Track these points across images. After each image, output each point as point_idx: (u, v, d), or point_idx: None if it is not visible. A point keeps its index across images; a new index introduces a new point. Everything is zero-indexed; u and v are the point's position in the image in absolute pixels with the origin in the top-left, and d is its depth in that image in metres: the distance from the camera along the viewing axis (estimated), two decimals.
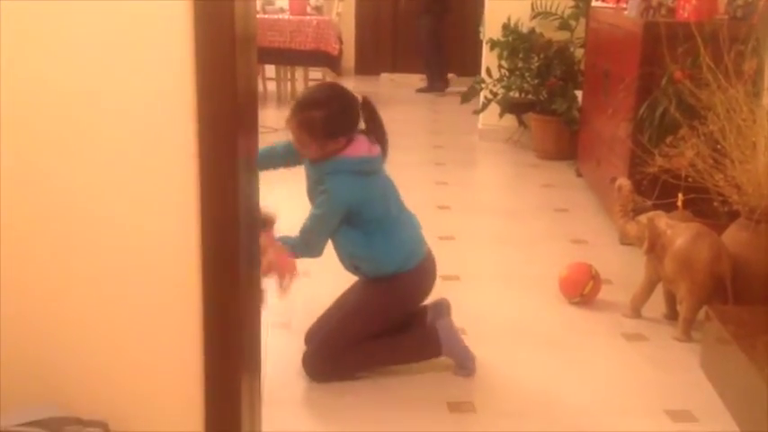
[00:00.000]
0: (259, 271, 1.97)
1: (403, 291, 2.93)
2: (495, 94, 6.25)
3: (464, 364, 2.93)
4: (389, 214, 2.94)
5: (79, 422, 1.67)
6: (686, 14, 4.09)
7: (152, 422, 1.79)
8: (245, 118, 1.73)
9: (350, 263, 2.97)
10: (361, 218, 2.86)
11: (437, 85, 8.90)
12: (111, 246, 1.72)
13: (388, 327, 2.92)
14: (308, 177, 2.98)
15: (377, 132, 2.93)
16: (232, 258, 1.70)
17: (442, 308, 3.02)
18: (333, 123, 2.79)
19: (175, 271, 1.72)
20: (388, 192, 2.98)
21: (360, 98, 2.91)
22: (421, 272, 2.95)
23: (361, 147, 2.85)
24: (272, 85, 8.14)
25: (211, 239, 1.69)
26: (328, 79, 7.98)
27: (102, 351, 1.77)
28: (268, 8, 7.72)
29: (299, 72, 8.08)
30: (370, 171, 2.88)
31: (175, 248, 1.71)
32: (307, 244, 2.92)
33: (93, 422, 1.67)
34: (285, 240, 2.91)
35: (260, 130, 6.49)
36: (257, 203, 1.95)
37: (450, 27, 9.06)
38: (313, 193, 2.94)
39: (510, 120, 6.36)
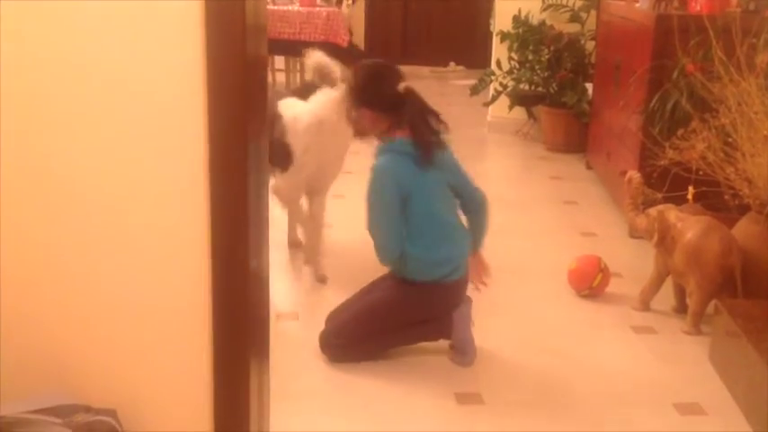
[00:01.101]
0: (267, 262, 1.97)
1: (432, 301, 2.93)
2: (504, 87, 6.23)
3: (464, 353, 2.93)
4: (440, 215, 2.91)
5: (89, 410, 1.68)
6: (699, 7, 4.07)
7: (161, 410, 1.80)
8: (254, 106, 1.73)
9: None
10: (409, 209, 2.84)
11: None
12: (119, 237, 1.73)
13: (408, 324, 2.95)
14: None
15: (420, 127, 2.88)
16: (241, 249, 1.70)
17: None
18: (362, 91, 2.90)
19: (184, 262, 1.73)
20: (437, 191, 2.92)
21: (402, 87, 2.90)
22: (457, 287, 2.96)
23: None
24: (281, 77, 8.13)
25: (221, 231, 1.69)
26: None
27: (112, 341, 1.77)
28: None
29: None
30: (418, 156, 2.85)
31: (184, 240, 1.72)
32: (379, 245, 2.89)
33: (102, 410, 1.68)
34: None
35: None
36: (267, 195, 1.95)
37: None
38: None
39: (519, 112, 6.34)
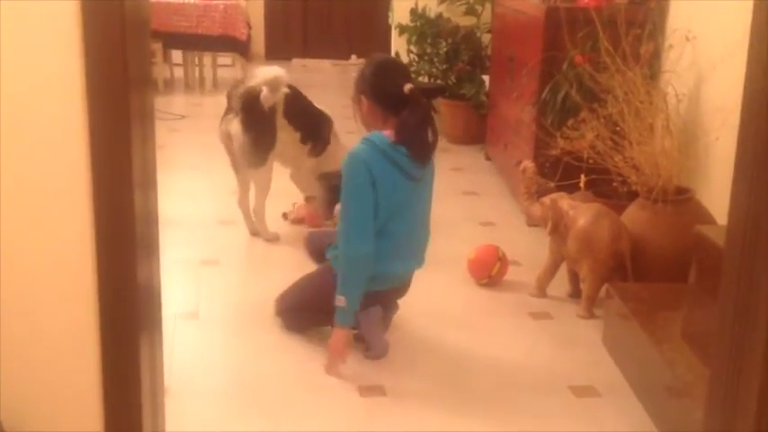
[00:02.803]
0: (158, 258, 1.93)
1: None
2: None
3: (370, 348, 2.95)
4: (395, 229, 2.83)
5: None
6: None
7: (49, 414, 1.74)
8: (138, 104, 1.69)
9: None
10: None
11: None
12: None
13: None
14: None
15: (415, 131, 2.82)
16: (127, 246, 1.66)
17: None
18: (363, 79, 2.90)
19: (67, 260, 1.68)
20: (407, 206, 2.85)
21: (407, 87, 2.83)
22: (385, 295, 2.95)
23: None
24: (179, 72, 7.98)
25: (105, 231, 1.65)
26: (238, 65, 7.88)
27: None
28: None
29: (207, 58, 7.94)
30: (395, 160, 2.78)
31: (67, 239, 1.67)
32: (345, 236, 2.77)
33: None
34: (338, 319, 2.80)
35: (167, 116, 6.41)
36: (155, 196, 1.90)
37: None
38: None
39: None
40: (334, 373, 2.81)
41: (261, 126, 3.86)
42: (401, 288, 3.03)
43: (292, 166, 4.24)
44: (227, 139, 3.94)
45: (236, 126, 3.85)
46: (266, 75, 3.83)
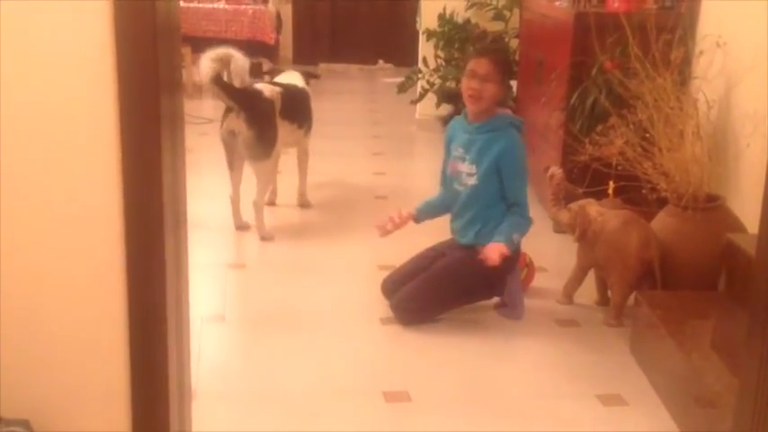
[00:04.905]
0: (187, 261, 1.94)
1: (503, 267, 3.19)
2: (431, 84, 6.27)
3: (515, 306, 3.30)
4: None
5: None
6: (616, 5, 4.16)
7: (76, 415, 1.75)
8: (168, 108, 1.70)
9: (474, 223, 3.29)
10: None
11: None
12: (31, 238, 1.68)
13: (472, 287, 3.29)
14: (463, 146, 3.31)
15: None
16: (156, 249, 1.67)
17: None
18: (509, 64, 3.49)
19: (97, 262, 1.69)
20: None
21: None
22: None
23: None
24: None
25: (135, 234, 1.66)
26: (265, 68, 7.92)
27: (23, 346, 1.72)
28: None
29: None
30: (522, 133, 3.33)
31: (98, 242, 1.68)
32: (526, 209, 3.30)
33: (13, 421, 1.63)
34: (504, 239, 3.20)
35: (196, 120, 6.45)
36: (184, 200, 1.92)
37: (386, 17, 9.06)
38: (472, 154, 3.27)
39: (447, 109, 6.38)
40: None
41: (264, 122, 4.06)
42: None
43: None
44: (229, 136, 4.08)
45: (240, 123, 4.01)
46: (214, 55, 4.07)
